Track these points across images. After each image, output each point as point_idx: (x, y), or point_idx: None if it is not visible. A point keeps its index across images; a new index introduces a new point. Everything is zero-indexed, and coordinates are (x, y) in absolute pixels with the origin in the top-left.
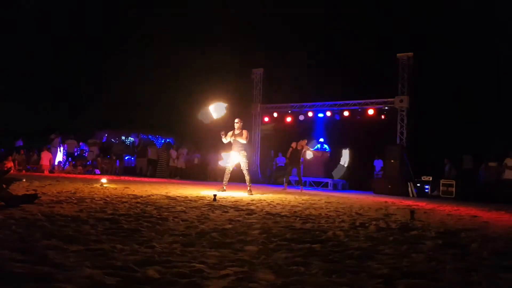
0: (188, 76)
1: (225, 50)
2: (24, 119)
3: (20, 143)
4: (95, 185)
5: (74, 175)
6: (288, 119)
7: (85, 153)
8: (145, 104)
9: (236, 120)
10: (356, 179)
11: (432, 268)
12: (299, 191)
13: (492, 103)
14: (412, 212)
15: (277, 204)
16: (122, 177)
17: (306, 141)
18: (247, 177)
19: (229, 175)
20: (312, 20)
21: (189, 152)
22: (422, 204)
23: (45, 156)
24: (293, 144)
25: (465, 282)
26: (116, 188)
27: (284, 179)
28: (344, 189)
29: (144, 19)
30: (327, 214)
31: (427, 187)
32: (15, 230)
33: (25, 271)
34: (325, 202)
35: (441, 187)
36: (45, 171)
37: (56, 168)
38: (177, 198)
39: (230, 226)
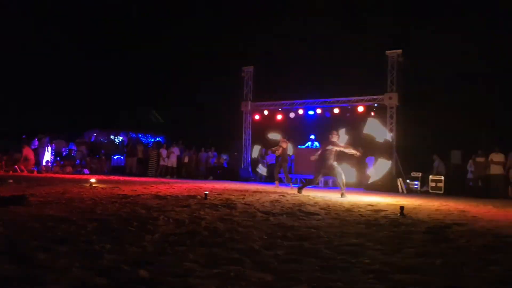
0: (179, 74)
1: (214, 47)
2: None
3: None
4: (84, 185)
5: (63, 175)
6: (279, 116)
7: (73, 152)
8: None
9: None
10: (346, 176)
11: (422, 263)
12: (289, 188)
13: (480, 99)
14: (402, 208)
15: (268, 201)
16: (112, 177)
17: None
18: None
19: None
20: (303, 19)
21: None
22: (412, 200)
23: (27, 151)
24: (283, 144)
25: (454, 276)
26: (105, 188)
27: (275, 176)
28: (335, 186)
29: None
30: (317, 211)
31: (416, 183)
32: (2, 232)
33: (13, 273)
34: (316, 199)
35: (430, 183)
36: (29, 166)
37: (43, 168)
38: (168, 197)
39: (221, 224)
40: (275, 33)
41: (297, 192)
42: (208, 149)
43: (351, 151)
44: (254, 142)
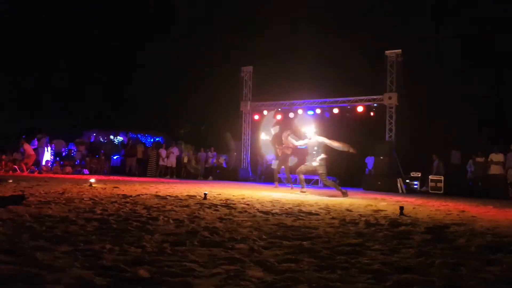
0: (178, 74)
1: (215, 46)
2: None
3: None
4: (83, 185)
5: (62, 175)
6: (278, 116)
7: (73, 152)
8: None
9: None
10: (346, 176)
11: (421, 263)
12: (289, 188)
13: (479, 99)
14: (402, 208)
15: (268, 201)
16: (111, 177)
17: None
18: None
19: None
20: (301, 19)
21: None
22: (411, 200)
23: (28, 147)
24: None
25: (454, 276)
26: (105, 188)
27: (274, 177)
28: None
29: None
30: (317, 211)
31: (416, 183)
32: (2, 232)
33: (13, 273)
34: (315, 199)
35: (429, 183)
36: (29, 163)
37: (44, 168)
38: (167, 197)
39: (221, 224)
40: (275, 33)
41: (300, 193)
42: (208, 149)
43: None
44: (253, 142)
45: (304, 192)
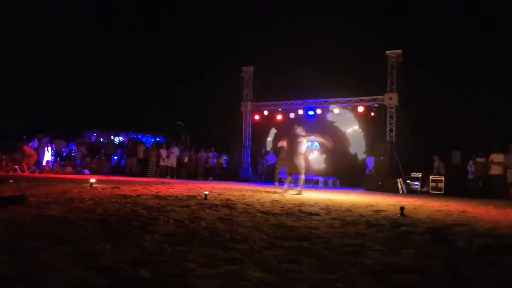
0: (181, 74)
1: (213, 47)
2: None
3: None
4: (84, 186)
5: (63, 176)
6: (279, 117)
7: (73, 153)
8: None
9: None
10: (346, 176)
11: (422, 263)
12: (290, 188)
13: (480, 99)
14: (402, 208)
15: (268, 202)
16: (112, 177)
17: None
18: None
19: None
20: (301, 19)
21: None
22: (412, 200)
23: (28, 148)
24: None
25: (454, 277)
26: (105, 188)
27: (275, 177)
28: (334, 186)
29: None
30: (317, 212)
31: (416, 183)
32: (2, 232)
33: (13, 273)
34: (316, 199)
35: (430, 183)
36: (30, 163)
37: (46, 168)
38: (168, 197)
39: (221, 224)
40: (275, 33)
41: (298, 194)
42: (208, 149)
43: (322, 140)
44: (254, 142)
45: (300, 192)
